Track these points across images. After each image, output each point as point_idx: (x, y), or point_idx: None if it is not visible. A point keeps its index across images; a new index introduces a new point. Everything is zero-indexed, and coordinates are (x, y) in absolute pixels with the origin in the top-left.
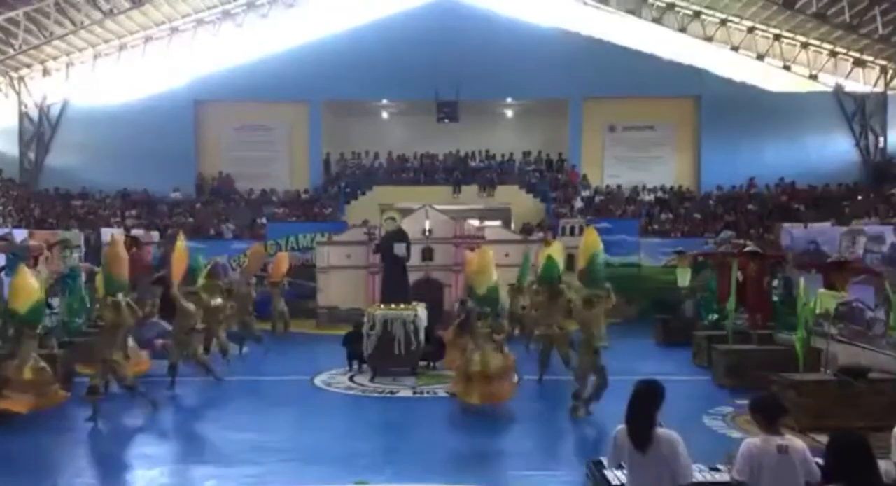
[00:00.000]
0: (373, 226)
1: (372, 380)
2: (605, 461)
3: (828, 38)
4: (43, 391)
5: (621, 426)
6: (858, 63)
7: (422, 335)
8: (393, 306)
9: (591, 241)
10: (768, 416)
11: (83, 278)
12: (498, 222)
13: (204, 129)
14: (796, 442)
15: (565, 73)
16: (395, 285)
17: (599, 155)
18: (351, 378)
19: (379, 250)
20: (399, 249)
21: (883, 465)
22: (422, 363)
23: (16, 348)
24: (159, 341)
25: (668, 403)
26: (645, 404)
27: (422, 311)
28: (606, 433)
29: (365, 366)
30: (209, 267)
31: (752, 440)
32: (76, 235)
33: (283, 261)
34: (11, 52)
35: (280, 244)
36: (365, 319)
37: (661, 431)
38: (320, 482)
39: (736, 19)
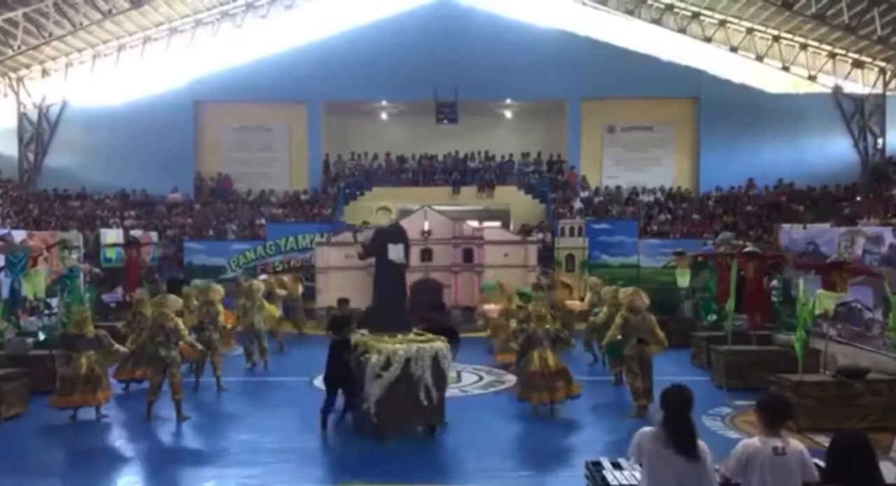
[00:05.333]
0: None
1: (378, 444)
2: (622, 461)
3: (827, 39)
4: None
5: (647, 429)
6: (857, 64)
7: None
8: (411, 336)
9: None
10: (773, 416)
11: (82, 278)
12: (497, 223)
13: (203, 129)
14: (794, 444)
15: (564, 73)
16: (391, 304)
17: (598, 156)
18: None
19: (368, 252)
20: (395, 251)
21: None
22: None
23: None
24: None
25: None
26: (687, 411)
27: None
28: (606, 433)
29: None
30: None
31: (749, 441)
32: (75, 236)
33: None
34: (10, 52)
35: (279, 245)
36: (373, 356)
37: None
38: (320, 482)
39: (735, 20)
